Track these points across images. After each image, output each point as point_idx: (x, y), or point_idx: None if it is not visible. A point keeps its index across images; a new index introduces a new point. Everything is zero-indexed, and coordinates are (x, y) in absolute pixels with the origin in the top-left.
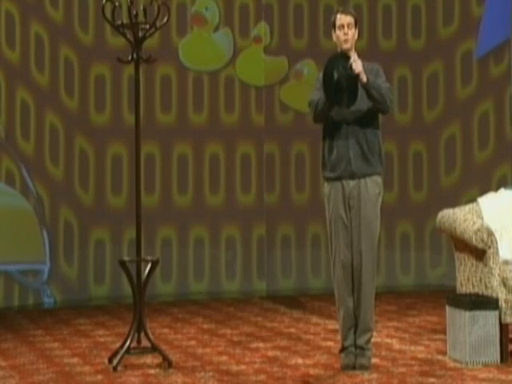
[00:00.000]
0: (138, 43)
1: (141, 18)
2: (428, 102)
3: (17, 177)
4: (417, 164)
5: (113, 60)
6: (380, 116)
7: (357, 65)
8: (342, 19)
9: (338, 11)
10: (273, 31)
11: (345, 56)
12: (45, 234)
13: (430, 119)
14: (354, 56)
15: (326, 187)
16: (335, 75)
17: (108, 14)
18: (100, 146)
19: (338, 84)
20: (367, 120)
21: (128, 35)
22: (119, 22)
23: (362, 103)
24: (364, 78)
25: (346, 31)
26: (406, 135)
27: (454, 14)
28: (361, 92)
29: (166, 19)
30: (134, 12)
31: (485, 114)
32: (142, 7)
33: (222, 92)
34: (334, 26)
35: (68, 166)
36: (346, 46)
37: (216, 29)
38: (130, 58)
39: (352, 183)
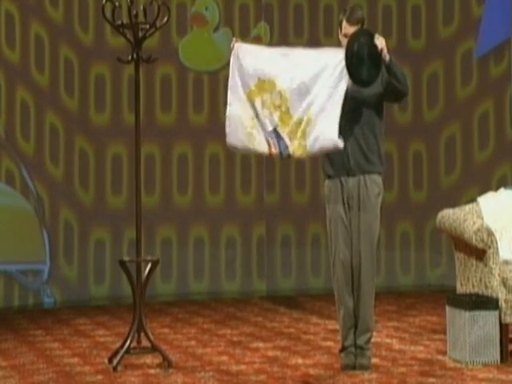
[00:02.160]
0: (137, 43)
1: (141, 18)
2: (428, 102)
3: (17, 177)
4: (417, 164)
5: (113, 60)
6: (383, 118)
7: (381, 41)
8: (347, 29)
9: (344, 18)
10: (273, 31)
11: (368, 33)
12: (45, 234)
13: (430, 119)
14: (378, 35)
15: (327, 185)
16: (355, 47)
17: (108, 14)
18: (100, 146)
19: (358, 55)
20: (366, 121)
21: (128, 35)
22: (119, 22)
23: (375, 87)
24: (387, 56)
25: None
26: (406, 135)
27: (454, 14)
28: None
29: (165, 19)
30: (134, 12)
31: (485, 114)
32: (142, 7)
33: (221, 92)
34: (340, 27)
35: (68, 166)
36: None
37: (216, 29)
38: (129, 58)
39: (351, 182)
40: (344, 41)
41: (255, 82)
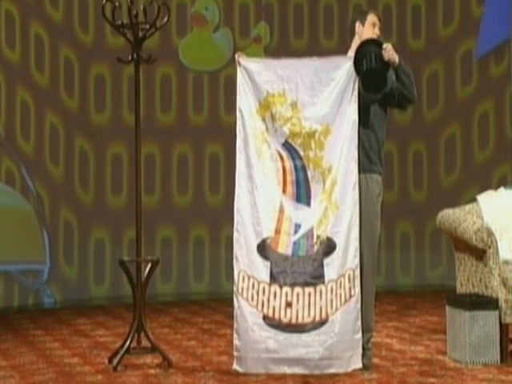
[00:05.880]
0: (138, 43)
1: (141, 18)
2: (428, 102)
3: (17, 177)
4: (417, 164)
5: (113, 60)
6: (386, 119)
7: (387, 52)
8: (375, 19)
9: (368, 10)
10: (273, 31)
11: (377, 43)
12: (45, 234)
13: (430, 119)
14: (386, 44)
15: None
16: (364, 67)
17: (108, 14)
18: (100, 146)
19: (368, 73)
20: (369, 121)
21: (128, 35)
22: (119, 22)
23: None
24: (396, 61)
25: (376, 30)
26: (406, 135)
27: (454, 14)
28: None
29: (166, 19)
30: (134, 12)
31: (485, 113)
32: (142, 7)
33: (221, 92)
34: (362, 20)
35: (68, 166)
36: None
37: (216, 29)
38: (129, 58)
39: None
40: (370, 34)
41: (264, 95)
